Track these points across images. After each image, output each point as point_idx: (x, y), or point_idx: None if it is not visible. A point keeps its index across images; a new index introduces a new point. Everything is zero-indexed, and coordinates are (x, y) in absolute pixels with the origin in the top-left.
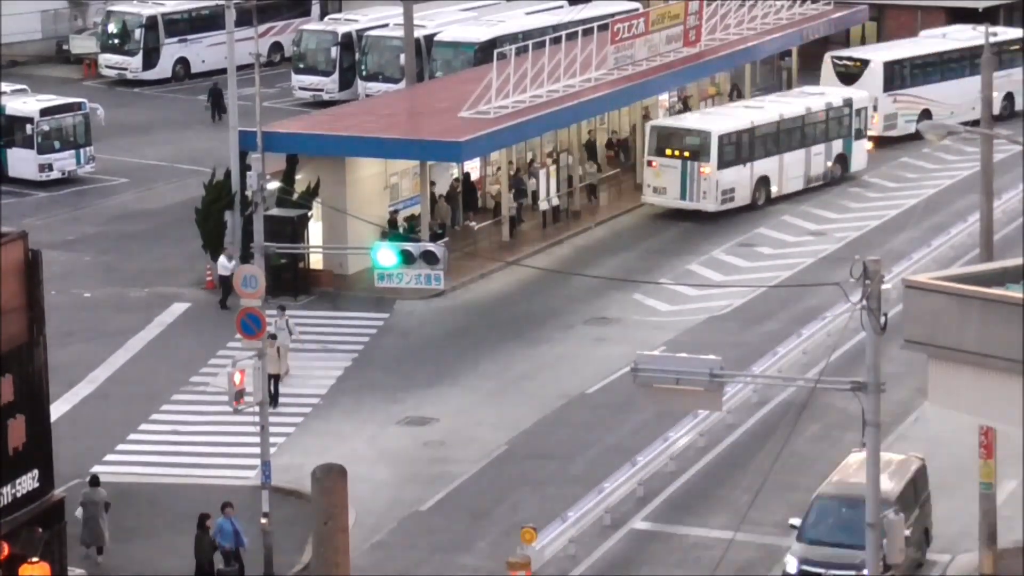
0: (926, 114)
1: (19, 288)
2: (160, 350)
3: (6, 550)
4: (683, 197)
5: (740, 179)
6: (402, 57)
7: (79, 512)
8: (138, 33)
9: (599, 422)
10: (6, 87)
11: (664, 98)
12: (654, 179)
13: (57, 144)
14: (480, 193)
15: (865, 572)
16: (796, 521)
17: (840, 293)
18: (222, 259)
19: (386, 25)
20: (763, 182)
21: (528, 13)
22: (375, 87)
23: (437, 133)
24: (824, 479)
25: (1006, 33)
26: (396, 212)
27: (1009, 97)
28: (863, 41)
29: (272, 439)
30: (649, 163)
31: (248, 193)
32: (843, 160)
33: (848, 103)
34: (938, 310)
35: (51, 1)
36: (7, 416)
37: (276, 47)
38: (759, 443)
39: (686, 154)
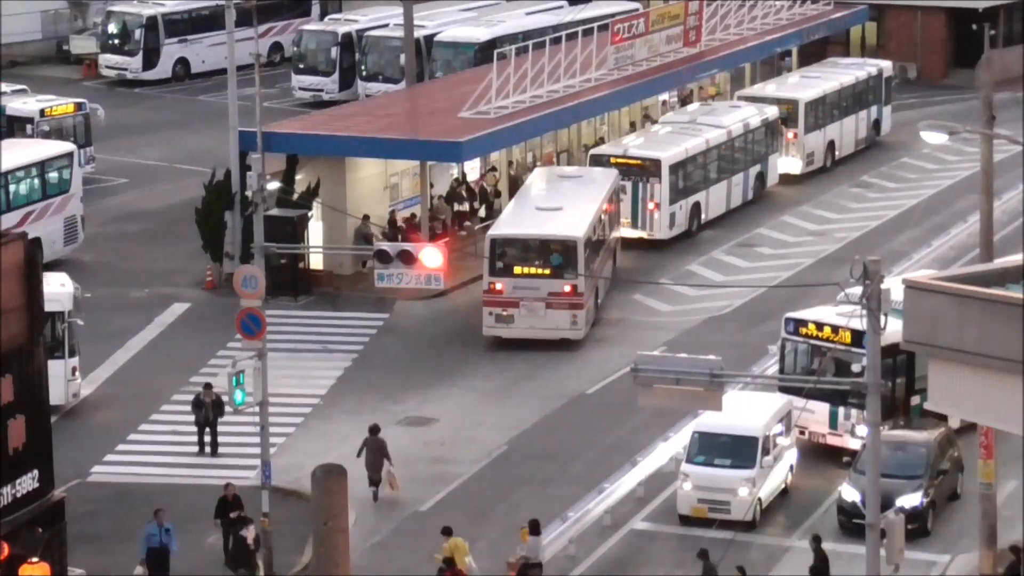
0: None
1: (19, 288)
2: (160, 350)
3: (6, 550)
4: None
5: None
6: (402, 57)
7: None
8: (138, 33)
9: (599, 422)
10: (6, 87)
11: (664, 98)
12: None
13: None
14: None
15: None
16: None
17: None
18: None
19: (386, 25)
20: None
21: (528, 13)
22: (375, 87)
23: (437, 133)
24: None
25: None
26: (395, 212)
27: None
28: (863, 41)
29: (272, 439)
30: None
31: (248, 193)
32: None
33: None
34: (938, 310)
35: (51, 1)
36: (7, 416)
37: (276, 47)
38: None
39: None
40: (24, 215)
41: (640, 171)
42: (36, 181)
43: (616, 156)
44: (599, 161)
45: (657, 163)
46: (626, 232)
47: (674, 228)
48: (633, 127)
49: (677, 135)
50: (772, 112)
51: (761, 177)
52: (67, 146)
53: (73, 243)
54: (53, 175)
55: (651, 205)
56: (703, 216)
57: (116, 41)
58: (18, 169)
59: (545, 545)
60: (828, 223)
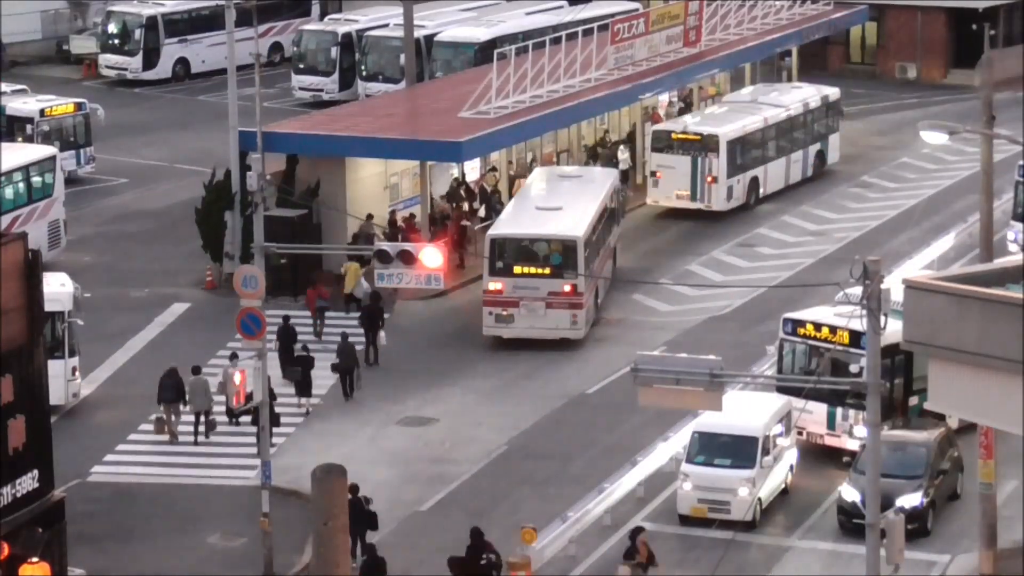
0: None
1: (19, 288)
2: (160, 350)
3: (6, 550)
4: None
5: None
6: (402, 57)
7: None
8: (138, 33)
9: (599, 422)
10: (6, 87)
11: (664, 98)
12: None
13: (57, 144)
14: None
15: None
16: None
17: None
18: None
19: (386, 25)
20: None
21: (528, 13)
22: (375, 87)
23: (437, 133)
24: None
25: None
26: (395, 212)
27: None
28: (863, 41)
29: (272, 439)
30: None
31: (251, 191)
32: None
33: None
34: (938, 310)
35: (51, 1)
36: (7, 416)
37: (276, 47)
38: None
39: None
40: (10, 220)
41: (700, 146)
42: (21, 186)
43: (677, 132)
44: (660, 137)
45: (715, 138)
46: (684, 204)
47: (731, 201)
48: (634, 128)
49: (735, 113)
50: (834, 93)
51: (821, 155)
52: (50, 150)
53: (57, 247)
54: (37, 179)
55: (709, 178)
56: (762, 190)
57: (116, 41)
58: (2, 174)
59: (544, 545)
60: (828, 223)
